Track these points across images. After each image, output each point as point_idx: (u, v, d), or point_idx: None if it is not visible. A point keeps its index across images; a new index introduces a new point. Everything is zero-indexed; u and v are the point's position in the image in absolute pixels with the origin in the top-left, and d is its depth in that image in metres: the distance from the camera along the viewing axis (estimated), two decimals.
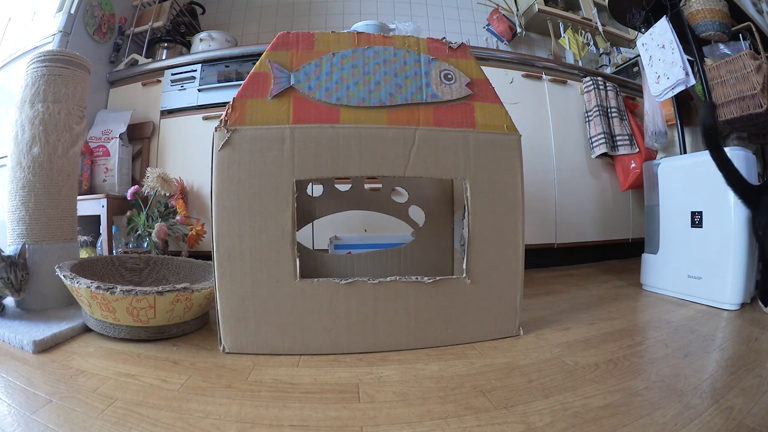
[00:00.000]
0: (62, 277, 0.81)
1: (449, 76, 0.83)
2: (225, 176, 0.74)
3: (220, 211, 0.74)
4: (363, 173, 0.77)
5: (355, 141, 0.76)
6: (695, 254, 1.13)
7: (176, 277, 1.11)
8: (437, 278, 0.78)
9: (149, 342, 0.80)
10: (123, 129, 1.62)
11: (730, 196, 1.03)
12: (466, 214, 0.80)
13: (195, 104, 1.65)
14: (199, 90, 1.66)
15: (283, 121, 0.75)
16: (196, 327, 0.89)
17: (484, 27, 2.40)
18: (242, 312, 0.75)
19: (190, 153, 1.62)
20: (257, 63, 0.79)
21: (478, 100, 0.83)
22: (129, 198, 1.46)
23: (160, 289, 0.77)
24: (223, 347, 0.76)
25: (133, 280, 1.05)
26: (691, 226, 1.14)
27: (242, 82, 0.78)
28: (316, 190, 1.20)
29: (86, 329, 0.85)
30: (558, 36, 2.28)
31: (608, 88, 1.80)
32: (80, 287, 0.76)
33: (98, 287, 0.74)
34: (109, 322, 0.80)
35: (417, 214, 1.15)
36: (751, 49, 1.23)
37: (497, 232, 0.81)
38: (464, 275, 0.79)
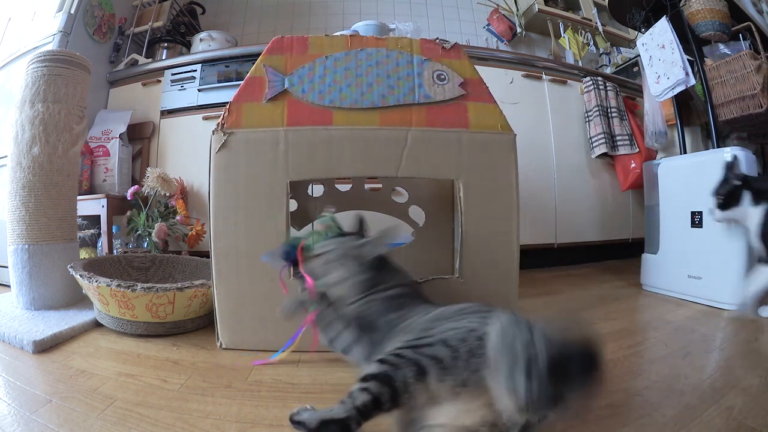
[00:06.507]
0: (78, 277, 0.81)
1: (442, 77, 0.82)
2: (222, 178, 0.74)
3: (217, 211, 0.74)
4: (356, 174, 0.78)
5: (347, 142, 0.77)
6: (695, 254, 1.13)
7: (182, 275, 1.12)
8: (429, 278, 0.78)
9: (149, 342, 0.80)
10: (123, 129, 1.62)
11: None
12: (459, 213, 0.80)
13: (195, 104, 1.65)
14: (199, 90, 1.66)
15: (278, 123, 0.76)
16: (209, 321, 0.89)
17: (484, 27, 2.39)
18: (239, 309, 0.75)
19: (190, 153, 1.61)
20: (253, 67, 0.80)
21: (472, 99, 0.82)
22: (129, 198, 1.45)
23: (179, 285, 0.79)
24: (220, 343, 0.76)
25: (140, 279, 1.05)
26: (691, 226, 1.14)
27: (242, 82, 0.79)
28: (316, 190, 1.20)
29: (86, 329, 0.86)
30: (558, 36, 2.28)
31: (608, 88, 1.80)
32: (100, 286, 0.77)
33: (119, 285, 0.76)
34: (126, 319, 0.81)
35: (417, 214, 1.14)
36: (751, 49, 1.23)
37: (491, 231, 0.80)
38: (457, 274, 0.79)
